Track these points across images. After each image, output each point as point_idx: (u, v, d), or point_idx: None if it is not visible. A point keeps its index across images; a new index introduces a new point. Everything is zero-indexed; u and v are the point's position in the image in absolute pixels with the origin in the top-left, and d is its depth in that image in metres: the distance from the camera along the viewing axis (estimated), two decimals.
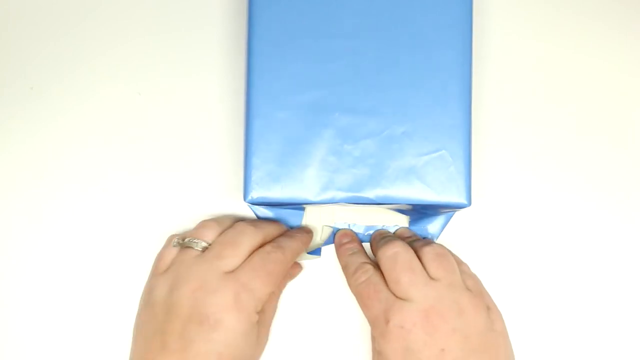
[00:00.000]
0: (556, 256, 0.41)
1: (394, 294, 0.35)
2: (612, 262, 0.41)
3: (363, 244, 0.40)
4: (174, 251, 0.36)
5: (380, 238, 0.38)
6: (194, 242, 0.36)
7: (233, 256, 0.34)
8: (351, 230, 0.40)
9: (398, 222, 0.41)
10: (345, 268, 0.38)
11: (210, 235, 0.36)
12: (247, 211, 0.41)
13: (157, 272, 0.36)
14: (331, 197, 0.37)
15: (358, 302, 0.37)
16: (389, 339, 0.34)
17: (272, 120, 0.37)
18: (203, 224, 0.37)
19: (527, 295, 0.41)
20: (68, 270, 0.41)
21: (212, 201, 0.41)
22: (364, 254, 0.39)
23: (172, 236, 0.38)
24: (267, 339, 0.37)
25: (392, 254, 0.36)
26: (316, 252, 0.41)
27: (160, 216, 0.41)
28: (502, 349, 0.35)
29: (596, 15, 0.42)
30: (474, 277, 0.37)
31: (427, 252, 0.36)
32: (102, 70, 0.41)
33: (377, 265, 0.37)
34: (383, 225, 0.41)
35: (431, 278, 0.35)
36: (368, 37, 0.37)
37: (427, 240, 0.38)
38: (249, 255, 0.35)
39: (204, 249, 0.35)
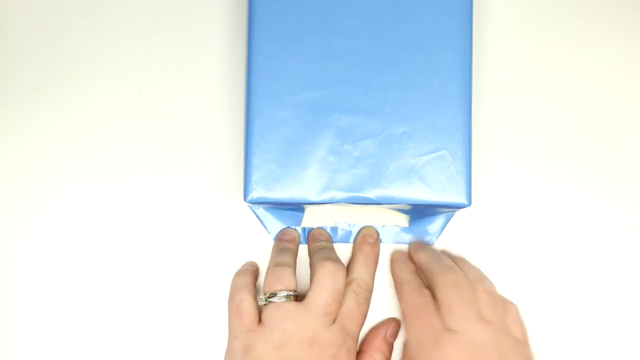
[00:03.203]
0: (556, 256, 0.41)
1: (443, 322, 0.35)
2: (612, 263, 0.41)
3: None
4: (255, 305, 0.36)
5: (434, 258, 0.38)
6: (280, 294, 0.35)
7: (337, 306, 0.36)
8: (427, 244, 0.41)
9: (398, 222, 0.41)
10: (404, 283, 0.38)
11: (290, 282, 0.36)
12: (247, 211, 0.41)
13: (248, 328, 0.35)
14: (331, 197, 0.37)
15: (405, 317, 0.37)
16: None
17: (272, 120, 0.37)
18: (276, 273, 0.36)
19: (526, 295, 0.41)
20: (68, 270, 0.41)
21: (212, 201, 0.41)
22: (420, 278, 0.39)
23: (237, 294, 0.37)
24: None
25: (454, 282, 0.36)
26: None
27: (160, 216, 0.41)
28: None
29: (596, 15, 0.42)
30: (521, 324, 0.37)
31: (480, 290, 0.36)
32: (102, 70, 0.41)
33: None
34: (383, 225, 0.41)
35: (482, 317, 0.35)
36: (368, 37, 0.37)
37: (478, 274, 0.38)
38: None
39: (291, 297, 0.35)
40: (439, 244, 0.41)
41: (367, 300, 0.38)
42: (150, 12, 0.42)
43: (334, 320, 0.36)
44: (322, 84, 0.37)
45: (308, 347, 0.34)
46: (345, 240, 0.41)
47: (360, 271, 0.38)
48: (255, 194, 0.37)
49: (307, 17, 0.37)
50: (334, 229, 0.41)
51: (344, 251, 0.41)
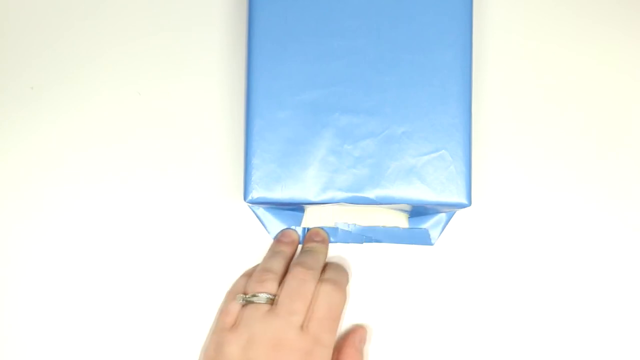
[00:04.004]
0: (556, 256, 0.41)
1: None
2: (612, 263, 0.41)
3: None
4: (238, 306, 0.36)
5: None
6: (259, 296, 0.36)
7: (304, 305, 0.35)
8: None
9: (398, 222, 0.41)
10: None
11: (272, 286, 0.36)
12: (247, 211, 0.41)
13: (224, 327, 0.36)
14: (331, 197, 0.37)
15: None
16: None
17: (272, 120, 0.37)
18: (261, 277, 0.37)
19: (527, 295, 0.41)
20: (68, 270, 0.41)
21: (212, 201, 0.41)
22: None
23: (231, 292, 0.38)
24: None
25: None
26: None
27: (160, 216, 0.41)
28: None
29: (596, 15, 0.42)
30: None
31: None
32: (102, 70, 0.41)
33: None
34: (383, 226, 0.41)
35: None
36: (368, 36, 0.37)
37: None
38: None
39: (271, 301, 0.35)
40: (439, 244, 0.41)
41: (340, 304, 0.36)
42: (150, 12, 0.42)
43: (305, 326, 0.35)
44: (322, 84, 0.37)
45: (273, 349, 0.34)
46: (345, 240, 0.41)
47: (334, 272, 0.38)
48: (255, 194, 0.37)
49: (307, 17, 0.37)
50: (334, 229, 0.41)
51: (343, 251, 0.41)
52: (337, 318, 0.36)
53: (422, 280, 0.41)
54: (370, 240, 0.40)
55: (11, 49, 0.41)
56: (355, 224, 0.41)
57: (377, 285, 0.39)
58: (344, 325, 0.40)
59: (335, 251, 0.41)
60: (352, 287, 0.41)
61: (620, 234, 0.41)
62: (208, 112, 0.41)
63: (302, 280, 0.36)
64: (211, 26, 0.42)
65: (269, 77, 0.37)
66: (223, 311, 0.37)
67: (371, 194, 0.37)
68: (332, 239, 0.41)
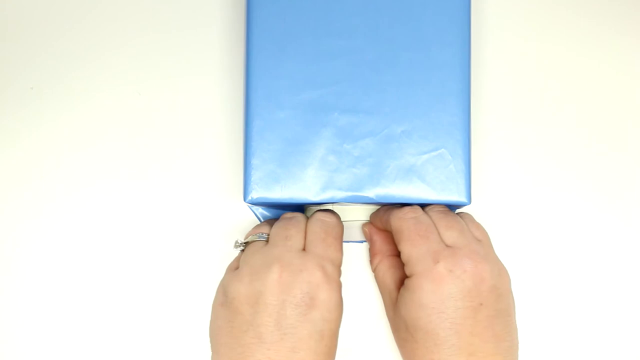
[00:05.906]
0: (556, 255, 0.41)
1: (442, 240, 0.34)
2: (611, 262, 0.41)
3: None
4: (238, 253, 0.37)
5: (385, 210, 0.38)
6: (254, 236, 0.36)
7: (298, 232, 0.35)
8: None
9: None
10: (391, 208, 0.38)
11: (265, 229, 0.37)
12: (247, 211, 0.41)
13: (228, 272, 0.36)
14: (331, 197, 0.37)
15: (399, 236, 0.35)
16: (434, 279, 0.33)
17: (272, 120, 0.37)
18: (255, 226, 0.38)
19: (526, 294, 0.41)
20: (68, 269, 0.41)
21: (212, 201, 0.41)
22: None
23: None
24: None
25: (443, 208, 0.36)
26: None
27: (160, 216, 0.41)
28: (514, 314, 0.35)
29: (595, 15, 0.42)
30: (480, 227, 0.38)
31: (465, 216, 0.37)
32: (102, 70, 0.41)
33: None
34: None
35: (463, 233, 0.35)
36: (367, 36, 0.37)
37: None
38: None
39: (266, 240, 0.36)
40: None
41: (336, 225, 0.36)
42: (150, 12, 0.42)
43: (305, 249, 0.34)
44: (321, 84, 0.37)
45: (277, 275, 0.33)
46: (345, 240, 0.40)
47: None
48: (255, 194, 0.37)
49: (305, 17, 0.37)
50: None
51: (343, 251, 0.41)
52: (337, 236, 0.36)
53: None
54: None
55: (11, 49, 0.42)
56: (354, 224, 0.40)
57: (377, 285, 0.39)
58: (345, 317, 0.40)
59: None
60: (351, 286, 0.41)
61: (620, 234, 0.41)
62: (208, 112, 0.41)
63: (291, 216, 0.36)
64: (211, 26, 0.42)
65: (268, 77, 0.37)
66: (231, 267, 0.37)
67: (371, 193, 0.37)
68: None
